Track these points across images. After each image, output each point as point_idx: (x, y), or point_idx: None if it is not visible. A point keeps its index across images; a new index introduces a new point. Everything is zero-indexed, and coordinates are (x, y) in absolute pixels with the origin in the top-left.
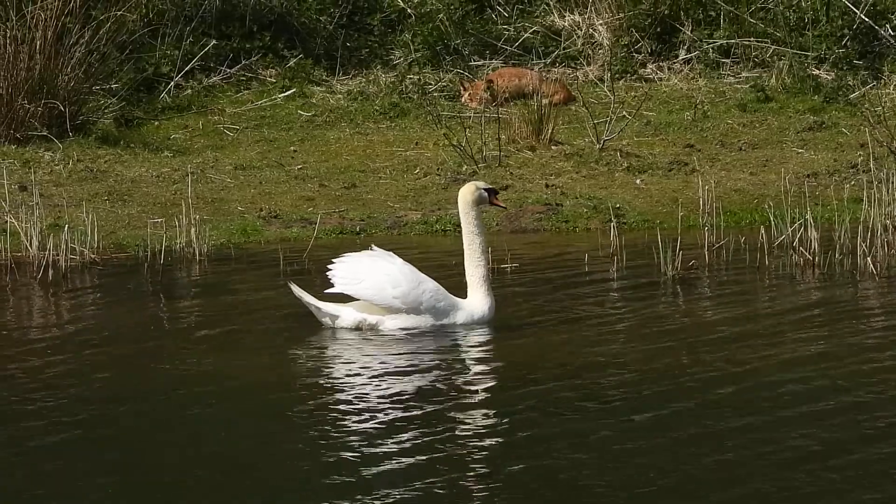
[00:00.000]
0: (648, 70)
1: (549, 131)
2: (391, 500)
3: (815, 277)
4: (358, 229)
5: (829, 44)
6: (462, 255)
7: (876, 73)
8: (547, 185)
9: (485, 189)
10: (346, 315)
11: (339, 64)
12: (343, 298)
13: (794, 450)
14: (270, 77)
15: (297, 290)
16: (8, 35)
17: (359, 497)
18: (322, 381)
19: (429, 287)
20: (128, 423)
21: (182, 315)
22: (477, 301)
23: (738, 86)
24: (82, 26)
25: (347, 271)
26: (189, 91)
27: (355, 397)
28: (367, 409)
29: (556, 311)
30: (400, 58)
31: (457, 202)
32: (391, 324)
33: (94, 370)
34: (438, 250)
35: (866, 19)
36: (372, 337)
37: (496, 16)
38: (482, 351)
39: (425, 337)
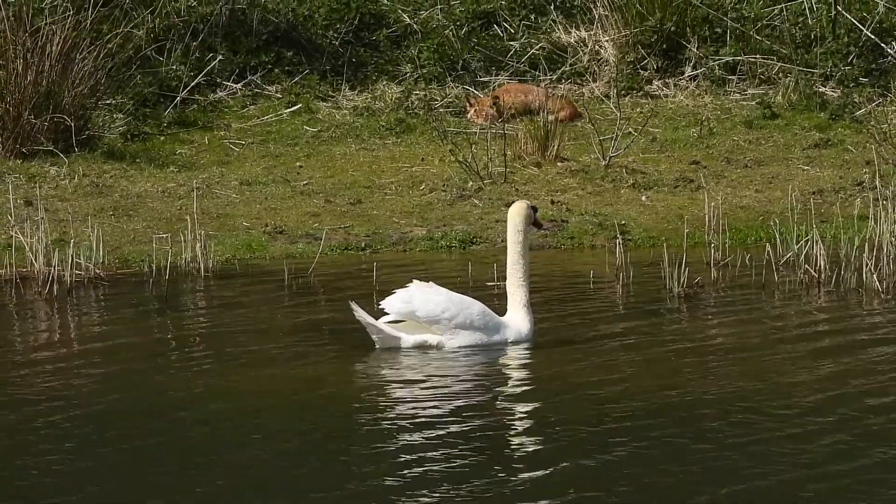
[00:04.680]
0: (654, 86)
1: (555, 147)
2: None
3: (821, 295)
4: (363, 245)
5: (836, 61)
6: (464, 271)
7: (882, 91)
8: (553, 202)
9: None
10: (408, 337)
11: (345, 79)
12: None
13: (801, 464)
14: (276, 92)
15: (359, 312)
16: (18, 50)
17: None
18: (333, 396)
19: (477, 309)
20: (137, 440)
21: (188, 331)
22: (519, 319)
23: (744, 102)
24: (91, 42)
25: (401, 299)
26: (195, 106)
27: (367, 411)
28: (381, 423)
29: (563, 329)
30: (406, 73)
31: (462, 218)
32: (451, 343)
33: (101, 387)
34: (443, 267)
35: (872, 37)
36: (372, 354)
37: (502, 31)
38: (493, 369)
39: (437, 357)
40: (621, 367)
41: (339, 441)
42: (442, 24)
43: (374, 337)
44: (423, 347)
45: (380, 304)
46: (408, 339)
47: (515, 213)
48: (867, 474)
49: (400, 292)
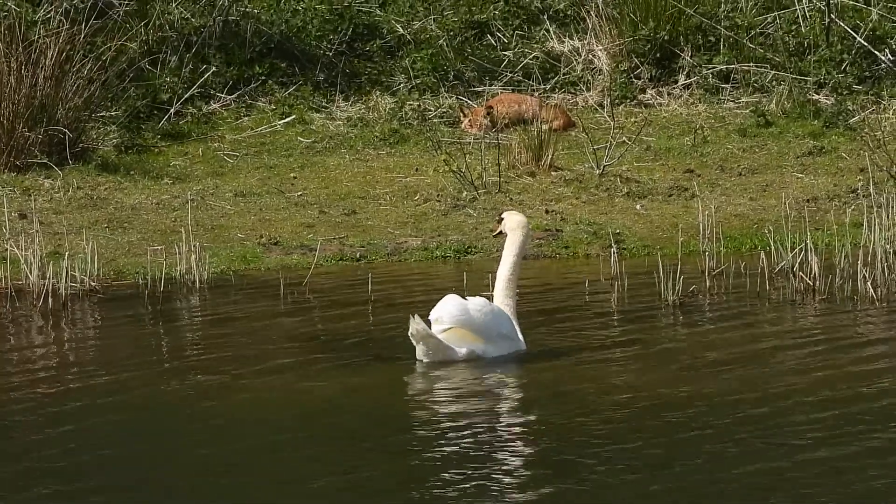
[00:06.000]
0: (648, 95)
1: (549, 157)
2: None
3: (815, 303)
4: (358, 256)
5: (829, 68)
6: (459, 281)
7: (875, 98)
8: (547, 211)
9: None
10: (460, 350)
11: (339, 90)
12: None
13: (796, 477)
14: (270, 104)
15: (420, 325)
16: (13, 63)
17: None
18: (334, 405)
19: (507, 318)
20: (138, 454)
21: (184, 343)
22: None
23: (738, 111)
24: (85, 54)
25: (456, 308)
26: (189, 118)
27: (371, 420)
28: (388, 433)
29: (558, 338)
30: (400, 84)
31: (456, 228)
32: (491, 353)
33: (98, 399)
34: (439, 277)
35: (865, 44)
36: (370, 365)
37: (496, 41)
38: (491, 378)
39: (435, 367)
40: (616, 376)
41: (343, 451)
42: (435, 35)
43: (424, 350)
44: (470, 358)
45: (430, 315)
46: (461, 352)
47: (524, 225)
48: (863, 483)
49: (450, 303)
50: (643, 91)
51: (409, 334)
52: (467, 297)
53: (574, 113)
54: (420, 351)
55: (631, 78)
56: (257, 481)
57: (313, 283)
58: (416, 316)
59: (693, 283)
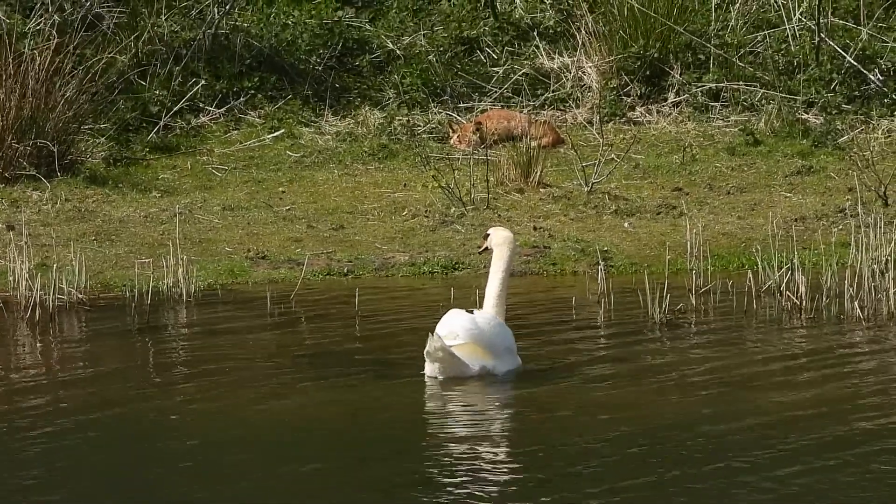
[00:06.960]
0: (637, 113)
1: (538, 174)
2: None
3: (802, 322)
4: (346, 271)
5: (818, 88)
6: (446, 297)
7: (864, 118)
8: (535, 228)
9: None
10: (473, 366)
11: (328, 105)
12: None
13: (783, 497)
14: (259, 118)
15: (439, 342)
16: (2, 74)
17: None
18: (318, 423)
19: (510, 332)
20: (125, 468)
21: (170, 357)
22: None
23: (727, 129)
24: (74, 66)
25: (468, 322)
26: (178, 131)
27: (358, 436)
28: (380, 450)
29: (545, 356)
30: (389, 99)
31: (444, 244)
32: (500, 369)
33: (85, 413)
34: (426, 292)
35: (855, 63)
36: (358, 380)
37: (485, 57)
38: (482, 397)
39: (425, 384)
40: (603, 395)
41: (329, 467)
42: (425, 50)
43: (438, 368)
44: (482, 373)
45: (439, 330)
46: (474, 368)
47: (510, 240)
48: (851, 500)
49: (461, 318)
50: (632, 108)
51: (426, 352)
52: (473, 311)
53: (563, 130)
54: (433, 368)
55: (620, 95)
56: (242, 498)
57: (300, 298)
58: (434, 333)
59: (680, 301)
